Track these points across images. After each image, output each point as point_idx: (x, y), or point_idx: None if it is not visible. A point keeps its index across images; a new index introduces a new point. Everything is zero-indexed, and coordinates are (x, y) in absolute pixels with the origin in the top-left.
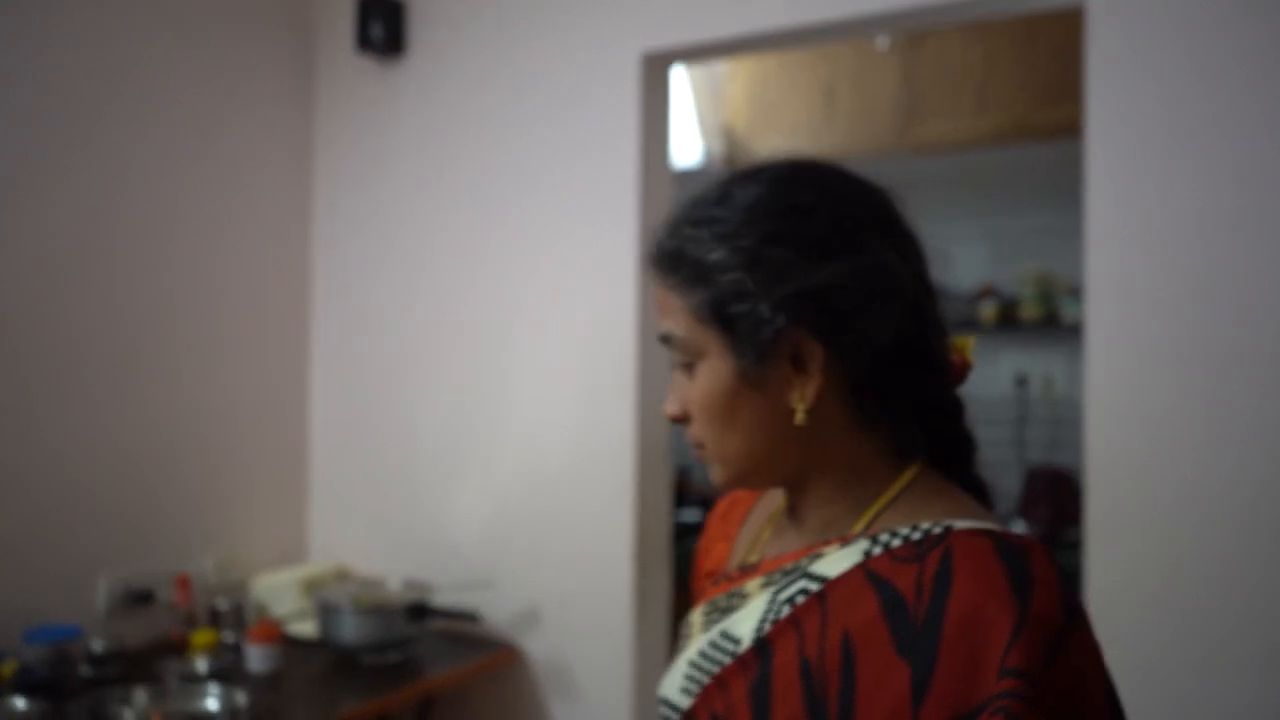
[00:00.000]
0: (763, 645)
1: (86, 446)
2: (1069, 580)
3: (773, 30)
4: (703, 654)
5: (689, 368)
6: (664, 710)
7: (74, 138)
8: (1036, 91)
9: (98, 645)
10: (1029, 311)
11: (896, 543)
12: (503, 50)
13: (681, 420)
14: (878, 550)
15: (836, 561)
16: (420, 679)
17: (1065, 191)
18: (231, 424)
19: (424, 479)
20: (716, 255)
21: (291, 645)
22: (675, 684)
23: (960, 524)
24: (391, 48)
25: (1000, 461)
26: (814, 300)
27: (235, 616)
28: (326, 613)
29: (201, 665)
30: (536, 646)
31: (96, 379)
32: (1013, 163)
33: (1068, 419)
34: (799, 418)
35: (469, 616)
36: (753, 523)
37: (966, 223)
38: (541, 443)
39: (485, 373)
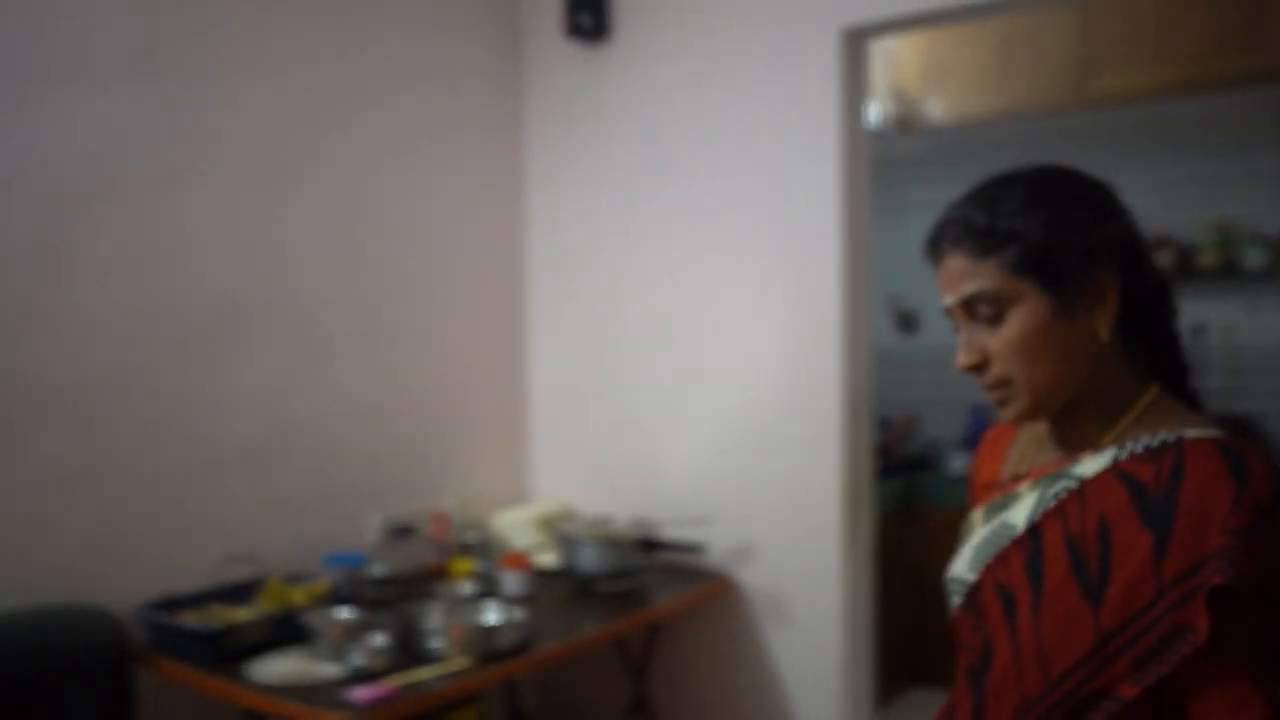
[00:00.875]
0: (1035, 529)
1: (352, 404)
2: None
3: (970, 2)
4: (985, 540)
5: (995, 319)
6: (954, 587)
7: (323, 136)
8: (1215, 41)
9: (377, 570)
10: (1207, 259)
11: (1139, 449)
12: (703, 30)
13: (978, 368)
14: (1124, 455)
15: (1092, 464)
16: (649, 606)
17: (1243, 138)
18: (463, 380)
19: (641, 425)
20: (1025, 222)
21: (536, 573)
22: (964, 565)
23: (1190, 433)
24: (598, 33)
25: None
26: (1111, 245)
27: (483, 549)
28: (568, 544)
29: (465, 588)
30: (751, 577)
31: (354, 346)
32: (1188, 112)
33: (1249, 368)
34: (1104, 335)
35: (695, 549)
36: (1016, 448)
37: (1140, 172)
38: (752, 388)
39: (696, 325)
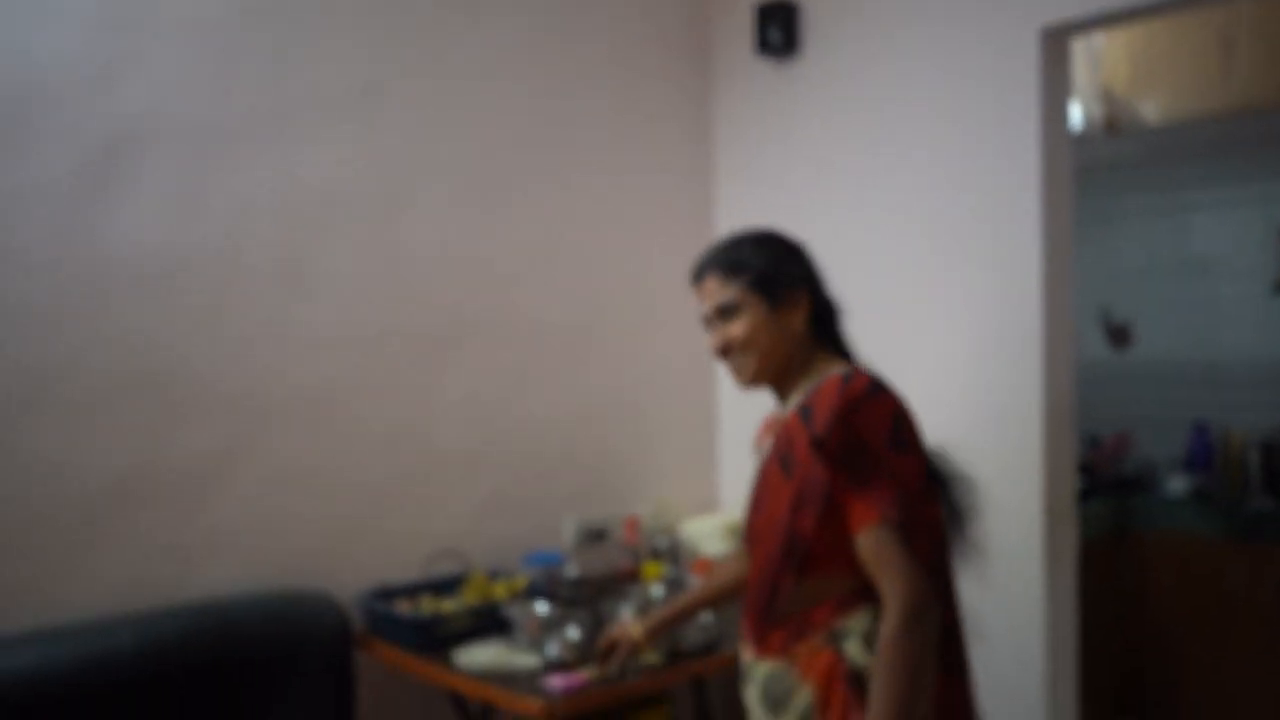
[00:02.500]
0: (769, 455)
1: (554, 414)
2: (881, 381)
3: None
4: (755, 475)
5: (730, 320)
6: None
7: (528, 160)
8: None
9: (571, 571)
10: None
11: (810, 391)
12: (894, 39)
13: (724, 352)
14: (803, 396)
15: (789, 407)
16: None
17: None
18: (655, 393)
19: None
20: (756, 259)
21: None
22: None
23: (833, 372)
24: (788, 48)
25: None
26: (803, 276)
27: (673, 554)
28: None
29: (656, 590)
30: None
31: (557, 359)
32: None
33: None
34: (798, 326)
35: None
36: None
37: None
38: (946, 401)
39: (889, 338)
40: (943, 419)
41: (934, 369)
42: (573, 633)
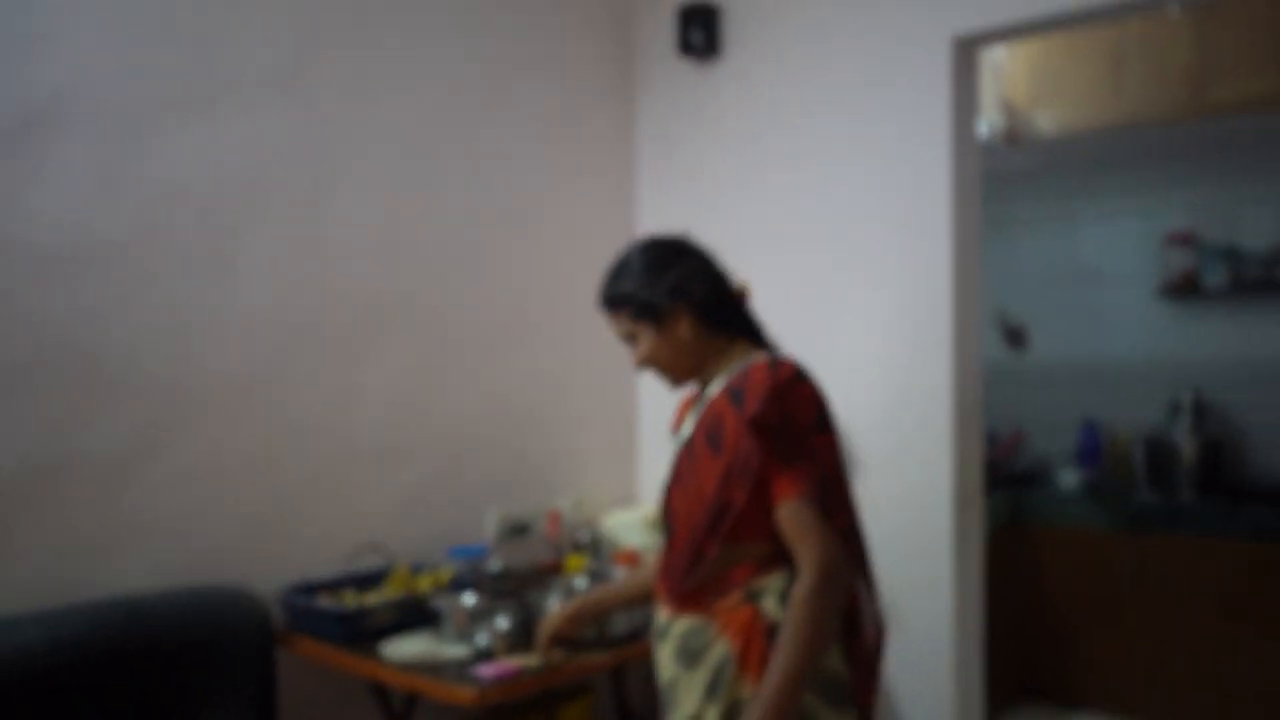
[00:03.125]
0: (693, 434)
1: (475, 407)
2: (804, 368)
3: (1087, 8)
4: (676, 453)
5: (634, 345)
6: (665, 487)
7: (450, 151)
8: None
9: (495, 564)
10: None
11: (733, 373)
12: (812, 43)
13: (644, 366)
14: (726, 380)
15: (711, 390)
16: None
17: None
18: (576, 388)
19: None
20: (633, 289)
21: None
22: (668, 470)
23: (757, 359)
24: (709, 50)
25: None
26: (676, 287)
27: (594, 547)
28: None
29: (580, 582)
30: None
31: (478, 352)
32: None
33: None
34: (685, 336)
35: None
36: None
37: (1259, 184)
38: (858, 396)
39: (803, 333)
40: (858, 413)
41: (849, 366)
42: (502, 623)
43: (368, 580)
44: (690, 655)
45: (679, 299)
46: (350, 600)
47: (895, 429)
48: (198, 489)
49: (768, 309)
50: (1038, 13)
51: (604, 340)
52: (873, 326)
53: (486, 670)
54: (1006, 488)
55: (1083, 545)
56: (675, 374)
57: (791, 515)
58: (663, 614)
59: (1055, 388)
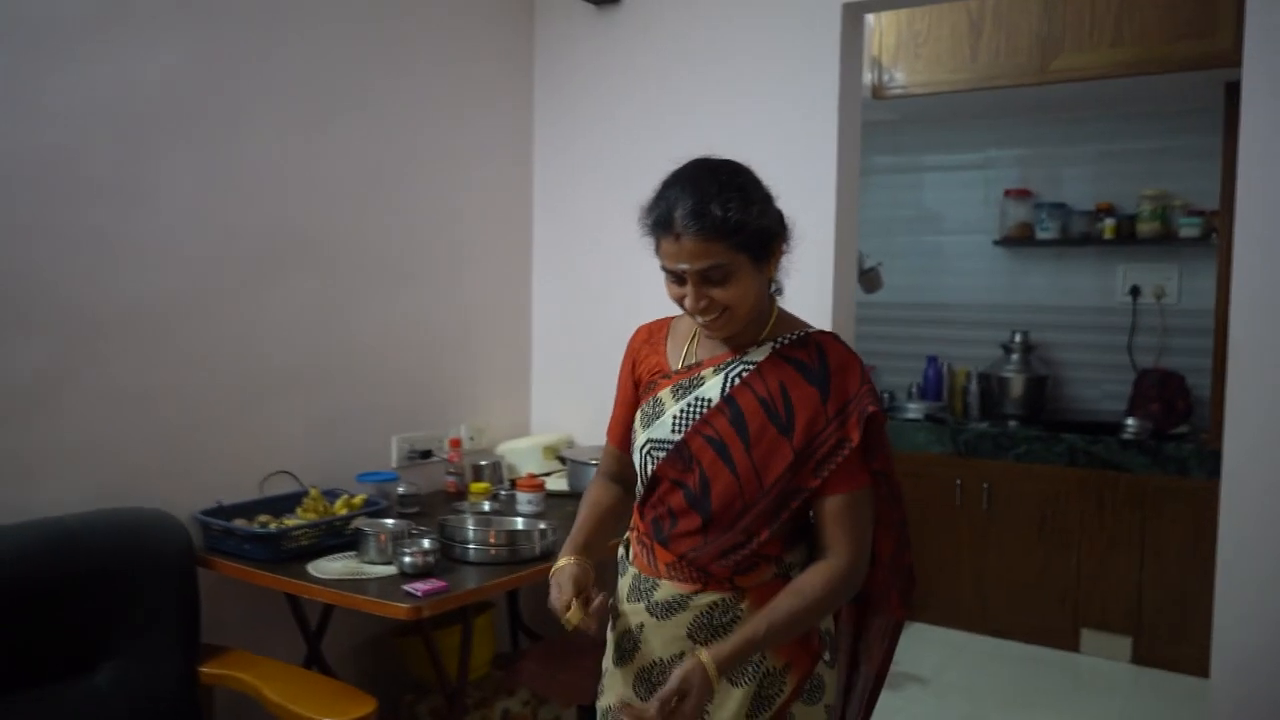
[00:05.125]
0: (729, 398)
1: (379, 338)
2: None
3: None
4: (683, 410)
5: (723, 280)
6: (653, 447)
7: (355, 85)
8: (1167, 27)
9: (401, 488)
10: (1146, 228)
11: (787, 341)
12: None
13: (711, 310)
14: (780, 345)
15: (759, 353)
16: None
17: (1184, 119)
18: (473, 323)
19: None
20: (742, 215)
21: (546, 494)
22: (665, 429)
23: (812, 329)
24: None
25: (1114, 364)
26: (781, 221)
27: (494, 473)
28: (575, 468)
29: (485, 506)
30: None
31: (382, 285)
32: (1137, 91)
33: (1177, 326)
34: (769, 276)
35: None
36: (674, 343)
37: (1088, 144)
38: None
39: None
40: None
41: None
42: (427, 543)
43: (281, 504)
44: (716, 628)
45: (782, 233)
46: (270, 524)
47: None
48: (113, 415)
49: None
50: None
51: (503, 274)
52: None
53: (420, 586)
54: None
55: (925, 469)
56: (744, 321)
57: (853, 504)
58: (678, 587)
59: (901, 326)
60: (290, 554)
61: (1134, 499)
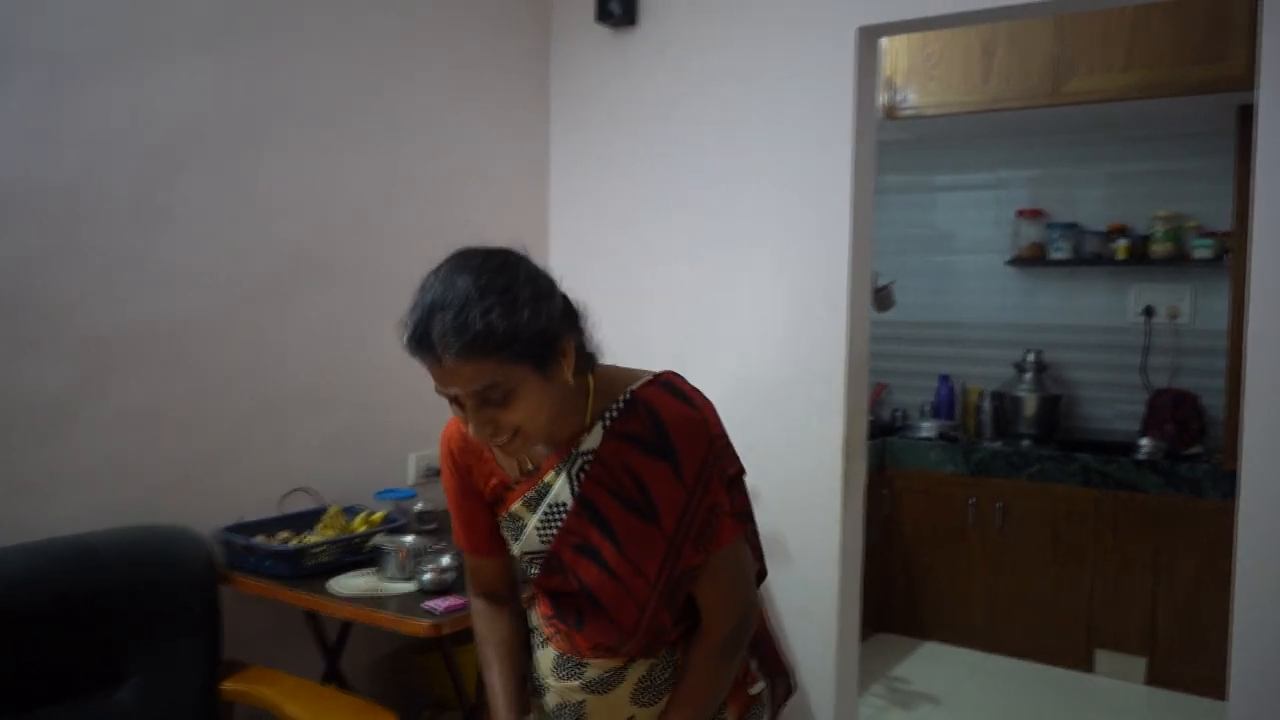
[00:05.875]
0: (582, 498)
1: (394, 359)
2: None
3: (980, 9)
4: (543, 520)
5: (504, 400)
6: (529, 560)
7: (372, 108)
8: (1180, 51)
9: (419, 505)
10: (1158, 248)
11: (614, 413)
12: (727, 21)
13: (501, 434)
14: (608, 422)
15: (593, 440)
16: None
17: (1198, 141)
18: None
19: None
20: (511, 323)
21: None
22: (534, 542)
23: (635, 386)
24: (626, 19)
25: (1127, 384)
26: (564, 317)
27: None
28: None
29: None
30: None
31: (396, 304)
32: (1151, 113)
33: (1190, 347)
34: (570, 379)
35: None
36: (499, 459)
37: (1101, 165)
38: (762, 353)
39: (712, 294)
40: (766, 367)
41: (758, 324)
42: (446, 560)
43: (301, 521)
44: (657, 690)
45: (569, 329)
46: (290, 540)
47: (797, 384)
48: (133, 434)
49: (676, 272)
50: (933, 13)
51: None
52: (779, 286)
53: (440, 603)
54: (871, 436)
55: (936, 487)
56: (544, 434)
57: (729, 558)
58: (603, 664)
59: (914, 345)
60: (310, 571)
61: (1148, 519)
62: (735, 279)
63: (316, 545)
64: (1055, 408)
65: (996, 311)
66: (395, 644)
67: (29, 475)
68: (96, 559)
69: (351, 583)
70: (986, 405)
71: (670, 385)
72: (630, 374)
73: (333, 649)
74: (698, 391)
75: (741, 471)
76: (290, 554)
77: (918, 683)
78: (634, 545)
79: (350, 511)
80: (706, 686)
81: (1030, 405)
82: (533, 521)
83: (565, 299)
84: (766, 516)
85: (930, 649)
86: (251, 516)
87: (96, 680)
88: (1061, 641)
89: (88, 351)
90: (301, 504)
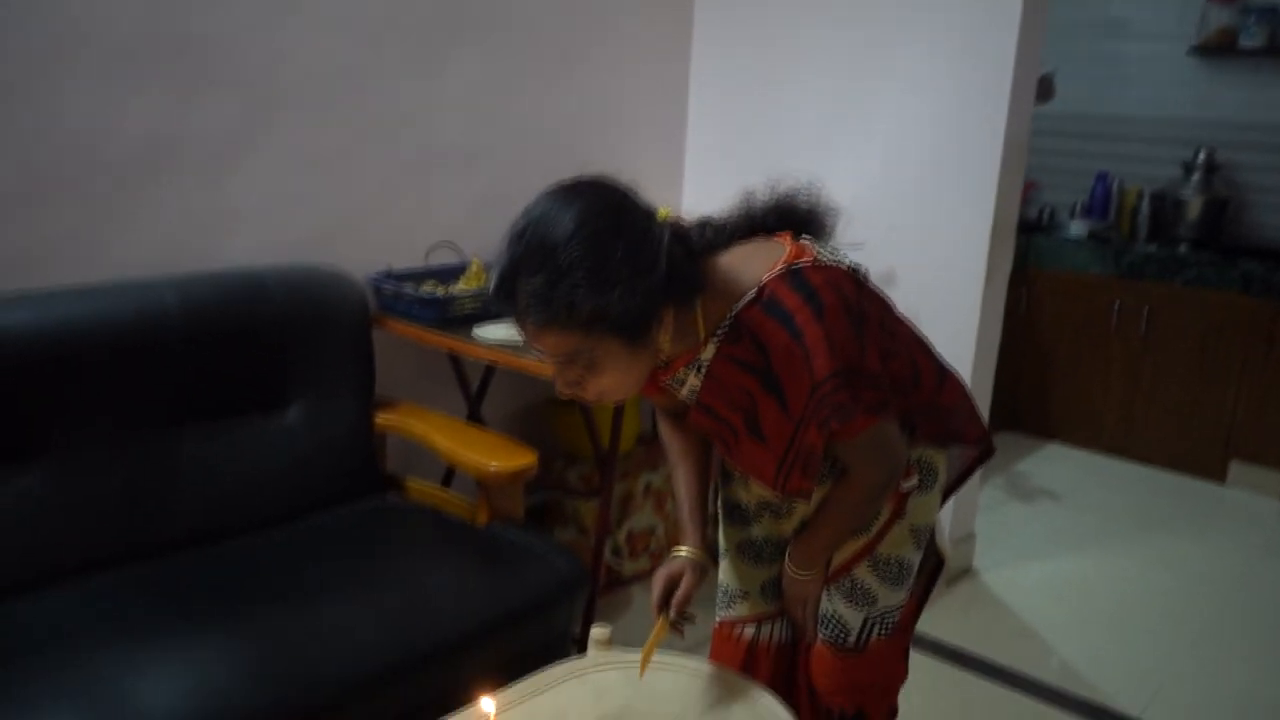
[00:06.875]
0: (700, 403)
1: (542, 115)
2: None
3: None
4: (691, 388)
5: (590, 367)
6: (691, 399)
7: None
8: None
9: None
10: None
11: (723, 334)
12: None
13: (587, 394)
14: (719, 341)
15: (708, 353)
16: None
17: None
18: (629, 98)
19: (796, 165)
20: (598, 299)
21: None
22: (690, 394)
23: (737, 305)
24: None
25: None
26: (659, 282)
27: None
28: None
29: None
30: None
31: (548, 64)
32: None
33: None
34: (666, 350)
35: None
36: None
37: None
38: (913, 130)
39: (861, 66)
40: (920, 148)
41: (914, 105)
42: None
43: (445, 274)
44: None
45: (664, 296)
46: (437, 289)
47: (948, 165)
48: (289, 179)
49: (824, 47)
50: None
51: (656, 56)
52: (936, 62)
53: None
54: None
55: (1080, 289)
56: (633, 393)
57: (864, 443)
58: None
59: (1071, 139)
60: (455, 319)
61: None
62: (893, 55)
63: (461, 294)
64: (1222, 212)
65: (1170, 105)
66: (532, 396)
67: (200, 209)
68: (267, 292)
69: (494, 331)
70: (1145, 206)
71: (774, 304)
72: (740, 279)
73: (475, 394)
74: (806, 302)
75: (846, 421)
76: (439, 301)
77: (1040, 479)
78: (753, 442)
79: (490, 266)
80: (846, 520)
81: (1194, 208)
82: (683, 391)
83: (672, 261)
84: (904, 297)
85: (1055, 449)
86: (399, 266)
87: (267, 400)
88: (1195, 450)
89: (247, 94)
90: (446, 258)
